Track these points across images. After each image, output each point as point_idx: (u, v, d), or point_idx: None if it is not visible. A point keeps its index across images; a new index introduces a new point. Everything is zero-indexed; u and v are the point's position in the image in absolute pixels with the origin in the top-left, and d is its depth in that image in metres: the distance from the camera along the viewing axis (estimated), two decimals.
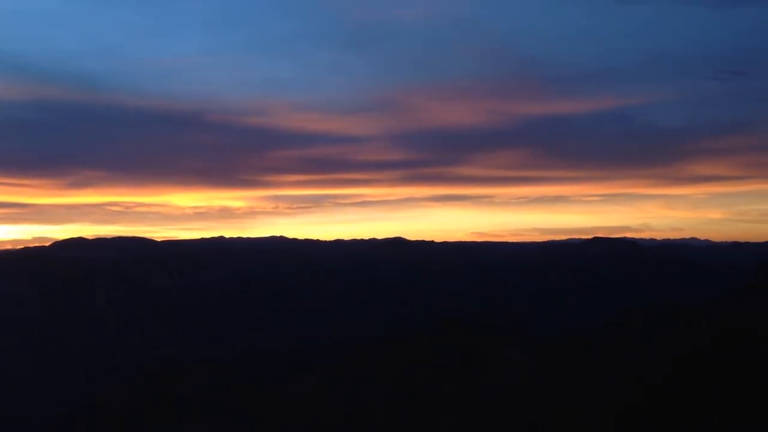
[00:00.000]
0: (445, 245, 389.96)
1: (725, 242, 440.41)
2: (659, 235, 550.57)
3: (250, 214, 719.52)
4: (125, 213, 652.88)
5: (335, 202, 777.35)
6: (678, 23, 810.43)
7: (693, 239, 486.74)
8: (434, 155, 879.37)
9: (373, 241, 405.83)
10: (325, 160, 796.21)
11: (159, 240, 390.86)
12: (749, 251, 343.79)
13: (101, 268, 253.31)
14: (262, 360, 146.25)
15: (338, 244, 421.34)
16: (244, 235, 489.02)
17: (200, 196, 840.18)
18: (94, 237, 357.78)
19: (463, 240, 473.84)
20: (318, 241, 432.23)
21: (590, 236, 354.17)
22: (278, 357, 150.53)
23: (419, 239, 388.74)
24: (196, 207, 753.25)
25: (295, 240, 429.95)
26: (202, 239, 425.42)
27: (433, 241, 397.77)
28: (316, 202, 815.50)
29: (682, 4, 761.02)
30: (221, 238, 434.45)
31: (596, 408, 64.57)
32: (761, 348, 62.79)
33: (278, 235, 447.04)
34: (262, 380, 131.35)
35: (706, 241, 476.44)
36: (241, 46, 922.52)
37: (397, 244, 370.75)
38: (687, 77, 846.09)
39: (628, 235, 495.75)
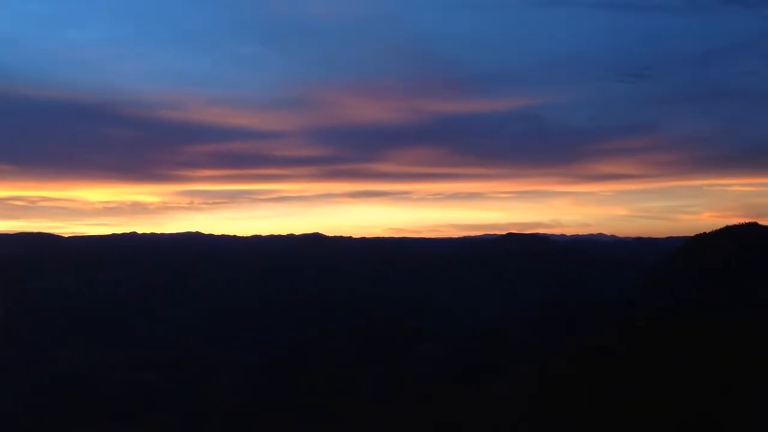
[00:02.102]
0: (363, 241, 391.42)
1: (629, 237, 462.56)
2: (569, 231, 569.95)
3: (164, 209, 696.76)
4: (29, 208, 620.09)
5: (252, 198, 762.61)
6: (585, 26, 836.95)
7: (600, 234, 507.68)
8: (351, 152, 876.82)
9: (290, 237, 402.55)
10: (241, 155, 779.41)
11: (66, 236, 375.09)
12: (651, 246, 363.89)
13: (2, 266, 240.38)
14: (176, 360, 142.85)
15: (255, 239, 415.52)
16: (158, 230, 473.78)
17: (111, 190, 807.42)
18: None
19: (381, 236, 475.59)
20: (235, 236, 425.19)
21: (504, 232, 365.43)
22: (193, 357, 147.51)
23: (337, 235, 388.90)
24: (106, 202, 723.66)
25: (211, 236, 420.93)
26: (113, 235, 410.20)
27: (351, 237, 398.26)
28: (233, 198, 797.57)
29: (590, 8, 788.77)
30: (133, 233, 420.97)
31: (508, 401, 66.53)
32: (663, 341, 66.21)
33: (194, 230, 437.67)
34: (174, 381, 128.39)
35: (612, 236, 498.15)
36: (151, 37, 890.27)
37: (315, 239, 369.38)
38: (593, 79, 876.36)
39: (540, 230, 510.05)
